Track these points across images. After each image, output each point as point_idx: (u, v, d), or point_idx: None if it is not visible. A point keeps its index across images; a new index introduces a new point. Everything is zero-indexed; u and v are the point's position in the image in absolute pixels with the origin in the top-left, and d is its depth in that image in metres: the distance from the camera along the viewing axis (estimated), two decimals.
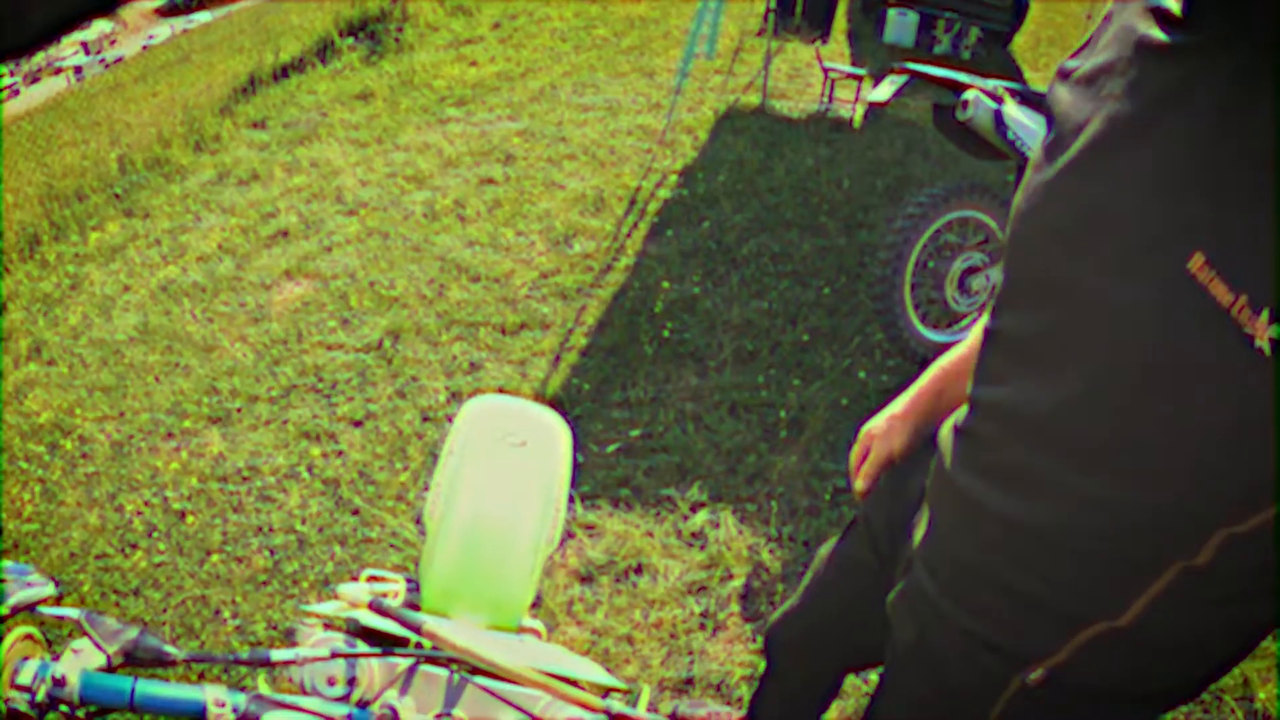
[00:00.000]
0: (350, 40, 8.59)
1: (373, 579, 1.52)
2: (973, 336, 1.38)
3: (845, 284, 4.81)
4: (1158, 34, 0.86)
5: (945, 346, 4.27)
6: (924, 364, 4.09)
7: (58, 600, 0.99)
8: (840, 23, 10.98)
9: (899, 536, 1.40)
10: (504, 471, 1.48)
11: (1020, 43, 11.94)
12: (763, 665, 2.01)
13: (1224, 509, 0.87)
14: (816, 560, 1.81)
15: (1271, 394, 0.79)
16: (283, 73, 7.90)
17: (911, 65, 4.05)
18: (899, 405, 1.59)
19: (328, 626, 1.14)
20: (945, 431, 1.22)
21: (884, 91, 4.13)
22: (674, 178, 5.83)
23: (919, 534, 1.25)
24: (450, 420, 3.60)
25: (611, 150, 6.18)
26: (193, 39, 16.26)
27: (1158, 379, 0.87)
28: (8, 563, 0.92)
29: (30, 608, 0.90)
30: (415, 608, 1.37)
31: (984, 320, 1.15)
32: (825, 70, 7.43)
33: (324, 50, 8.39)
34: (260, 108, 7.09)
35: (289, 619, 3.01)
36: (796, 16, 9.79)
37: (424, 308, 4.43)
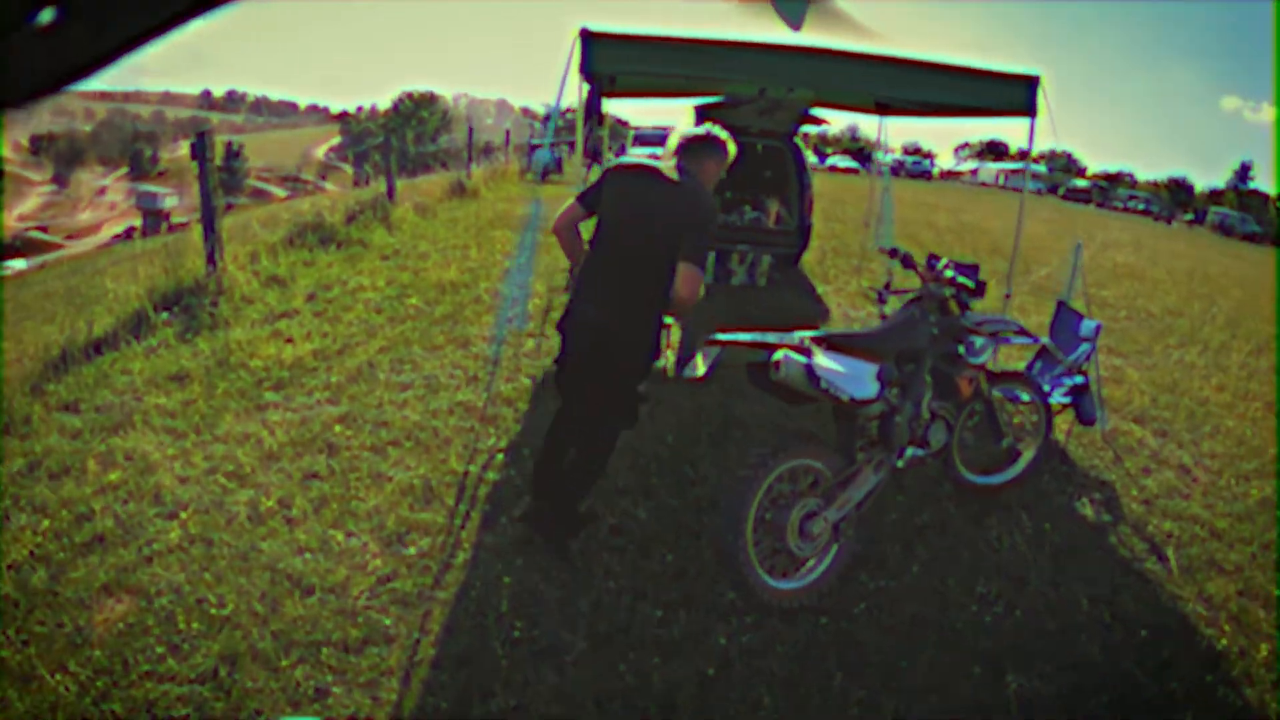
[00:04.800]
0: (165, 315, 8.49)
1: None
2: None
3: (687, 547, 4.87)
4: None
5: (796, 594, 4.42)
6: (784, 614, 4.25)
7: None
8: None
9: None
10: None
11: (808, 259, 12.77)
12: None
13: None
14: None
15: None
16: (95, 348, 7.72)
17: (721, 337, 4.28)
18: None
19: None
20: None
21: (699, 367, 4.35)
22: (500, 457, 5.87)
23: None
24: None
25: (435, 432, 6.18)
26: (8, 291, 15.65)
27: None
28: None
29: None
30: None
31: None
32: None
33: (138, 324, 8.25)
34: (72, 388, 6.81)
35: None
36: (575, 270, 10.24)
37: (258, 628, 4.14)
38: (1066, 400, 6.49)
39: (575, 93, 6.54)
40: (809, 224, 11.63)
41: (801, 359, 4.21)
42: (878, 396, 4.55)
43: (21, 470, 5.63)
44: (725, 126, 11.25)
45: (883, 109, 10.96)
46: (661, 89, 10.39)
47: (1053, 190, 69.75)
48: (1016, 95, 7.16)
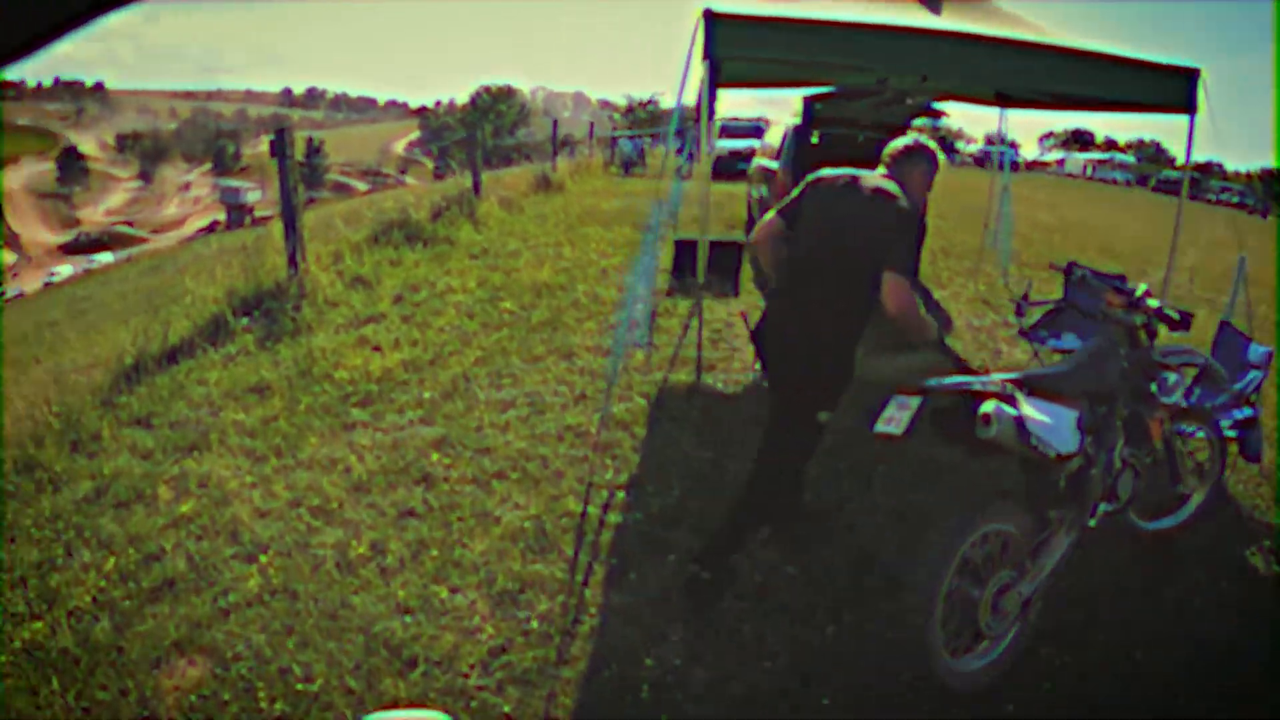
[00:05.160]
0: (245, 320, 8.00)
1: None
2: None
3: (848, 613, 4.15)
4: None
5: (977, 674, 3.71)
6: (962, 701, 3.56)
7: None
8: (747, 270, 10.83)
9: None
10: None
11: None
12: None
13: None
14: None
15: None
16: (171, 356, 7.22)
17: (929, 383, 3.59)
18: None
19: None
20: None
21: (900, 420, 3.61)
22: (621, 495, 5.16)
23: None
24: None
25: (544, 462, 5.51)
26: (90, 287, 15.28)
27: None
28: None
29: None
30: None
31: None
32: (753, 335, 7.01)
33: (216, 330, 7.77)
34: (145, 400, 6.33)
35: None
36: (699, 275, 9.56)
37: (353, 709, 3.47)
38: (1232, 434, 5.69)
39: (668, 81, 5.83)
40: (924, 223, 10.82)
41: (1012, 410, 3.49)
42: (1080, 449, 3.82)
43: (88, 495, 5.15)
44: (832, 120, 10.68)
45: (1004, 101, 10.08)
46: (770, 79, 9.64)
47: (1142, 182, 67.61)
48: (1174, 90, 6.43)
